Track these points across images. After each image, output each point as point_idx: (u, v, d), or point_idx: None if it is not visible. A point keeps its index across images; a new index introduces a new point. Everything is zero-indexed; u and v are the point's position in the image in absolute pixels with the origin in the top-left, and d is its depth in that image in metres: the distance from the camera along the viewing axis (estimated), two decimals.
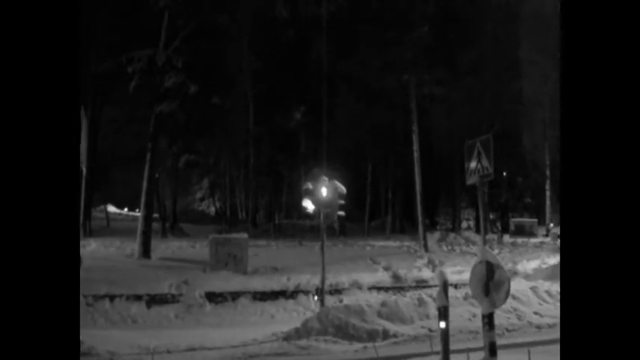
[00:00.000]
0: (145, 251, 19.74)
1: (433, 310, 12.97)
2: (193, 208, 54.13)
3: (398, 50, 23.61)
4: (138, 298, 14.97)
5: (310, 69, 34.43)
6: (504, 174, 39.52)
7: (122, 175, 36.73)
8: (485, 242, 7.55)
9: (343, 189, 13.08)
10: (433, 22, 23.93)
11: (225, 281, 16.43)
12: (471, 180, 7.67)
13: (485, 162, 7.46)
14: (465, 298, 13.69)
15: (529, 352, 5.86)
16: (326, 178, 13.01)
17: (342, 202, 13.20)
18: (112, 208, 48.26)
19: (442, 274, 6.83)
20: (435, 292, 14.94)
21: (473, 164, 7.60)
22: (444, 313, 6.73)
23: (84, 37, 20.62)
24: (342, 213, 13.34)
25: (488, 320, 7.09)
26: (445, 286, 6.74)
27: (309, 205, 13.02)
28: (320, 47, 31.84)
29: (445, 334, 6.70)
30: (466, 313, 13.04)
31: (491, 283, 7.07)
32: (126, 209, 56.73)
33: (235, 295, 15.62)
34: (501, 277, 7.05)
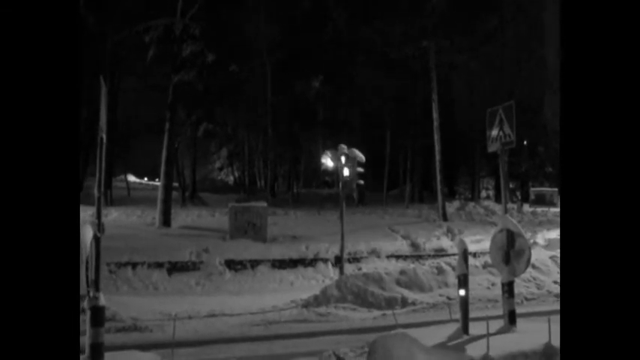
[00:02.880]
0: (166, 220, 19.95)
1: (452, 279, 13.00)
2: (212, 178, 54.37)
3: (417, 17, 23.15)
4: (159, 265, 15.19)
5: (328, 37, 33.99)
6: (525, 143, 38.98)
7: (142, 144, 36.86)
8: (505, 211, 7.47)
9: (362, 157, 13.03)
10: None
11: (244, 249, 16.57)
12: (493, 147, 7.56)
13: (507, 129, 7.35)
14: (485, 266, 13.70)
15: (549, 320, 5.82)
16: (344, 146, 12.94)
17: (361, 170, 13.15)
18: (132, 178, 48.71)
19: (462, 243, 6.80)
20: (453, 260, 14.97)
21: (495, 131, 7.48)
22: (463, 281, 6.71)
23: (102, 7, 20.56)
24: (361, 182, 13.32)
25: (508, 288, 7.08)
26: (465, 254, 6.71)
27: (328, 162, 12.96)
28: (338, 14, 31.34)
29: (464, 302, 6.69)
30: (485, 281, 13.09)
31: (511, 251, 7.04)
32: (146, 179, 57.24)
33: (255, 263, 15.78)
34: (522, 246, 7.01)
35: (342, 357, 7.23)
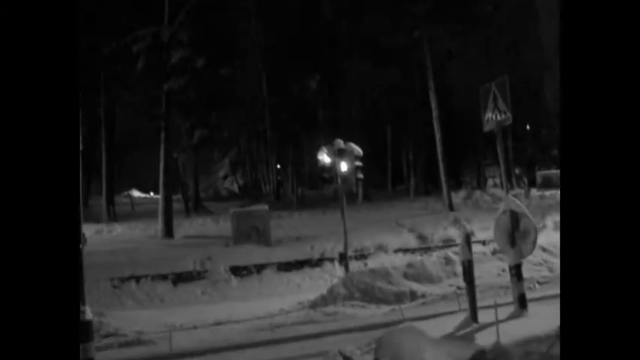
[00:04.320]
0: (168, 231, 19.73)
1: (461, 268, 12.71)
2: (217, 187, 54.39)
3: (408, 4, 22.81)
4: (163, 277, 14.92)
5: (320, 33, 33.73)
6: (528, 127, 38.57)
7: (145, 159, 36.76)
8: (507, 192, 7.16)
9: (359, 150, 12.73)
10: None
11: (249, 254, 16.31)
12: (489, 126, 7.27)
13: (502, 106, 7.05)
14: (494, 253, 13.36)
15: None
16: (341, 141, 12.66)
17: (360, 163, 12.84)
18: (137, 193, 48.67)
19: (464, 227, 6.52)
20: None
21: (489, 109, 7.19)
22: (468, 268, 6.42)
23: (86, 23, 20.36)
24: (360, 176, 13.01)
25: (516, 272, 6.78)
26: (468, 239, 6.42)
27: (324, 158, 12.65)
28: (328, 9, 31.05)
29: (471, 289, 6.41)
30: (495, 268, 12.73)
31: (516, 232, 6.72)
32: (152, 193, 57.21)
33: (260, 267, 15.49)
34: (527, 226, 6.69)
35: (348, 355, 6.94)
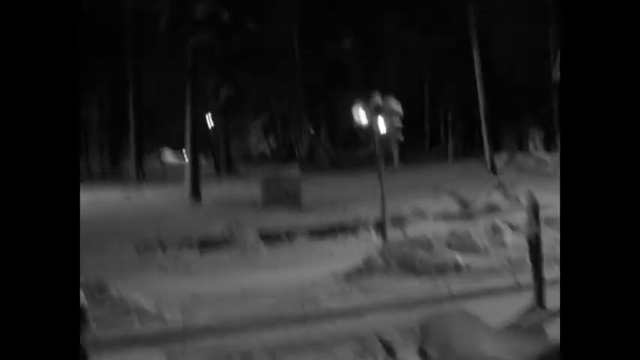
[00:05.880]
0: (196, 195, 18.97)
1: (510, 238, 11.65)
2: (249, 150, 53.93)
3: None
4: (189, 244, 14.26)
5: None
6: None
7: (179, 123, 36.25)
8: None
9: (399, 108, 11.54)
10: None
11: (279, 220, 15.51)
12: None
13: None
14: (547, 222, 12.19)
15: None
16: (379, 97, 11.47)
17: (400, 124, 11.68)
18: (170, 158, 48.26)
19: (531, 195, 5.40)
20: (509, 218, 13.50)
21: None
22: (535, 244, 5.34)
23: None
24: (401, 137, 11.84)
25: None
26: (535, 209, 5.33)
27: (361, 116, 11.45)
28: None
29: (538, 268, 5.34)
30: (548, 238, 11.55)
31: None
32: (185, 157, 56.84)
33: (291, 234, 14.68)
34: None
35: (388, 343, 5.99)
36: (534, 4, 30.83)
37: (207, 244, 14.35)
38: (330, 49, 34.39)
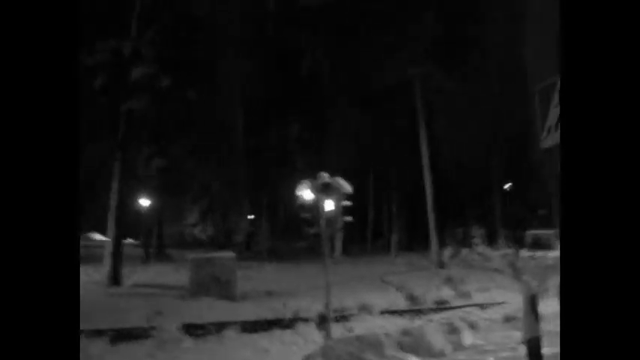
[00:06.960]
0: (115, 277, 16.90)
1: (468, 338, 10.32)
2: (184, 235, 51.86)
3: (402, 43, 21.03)
4: (100, 333, 12.20)
5: (304, 79, 31.93)
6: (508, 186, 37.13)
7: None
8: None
9: (348, 187, 10.40)
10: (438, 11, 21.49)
11: (208, 310, 13.74)
12: (550, 141, 5.10)
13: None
14: (507, 320, 11.03)
15: None
16: (326, 174, 10.33)
17: (348, 203, 10.50)
18: (98, 236, 45.75)
19: (528, 286, 4.15)
20: (463, 314, 12.24)
21: (552, 115, 5.04)
22: (534, 349, 4.04)
23: None
24: (348, 218, 10.60)
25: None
26: (533, 302, 4.08)
27: (306, 194, 10.20)
28: (314, 49, 29.18)
29: None
30: (507, 339, 10.30)
31: None
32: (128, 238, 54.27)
33: (220, 327, 12.85)
34: None
35: None
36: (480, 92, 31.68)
37: (121, 335, 12.35)
38: (274, 137, 33.82)
